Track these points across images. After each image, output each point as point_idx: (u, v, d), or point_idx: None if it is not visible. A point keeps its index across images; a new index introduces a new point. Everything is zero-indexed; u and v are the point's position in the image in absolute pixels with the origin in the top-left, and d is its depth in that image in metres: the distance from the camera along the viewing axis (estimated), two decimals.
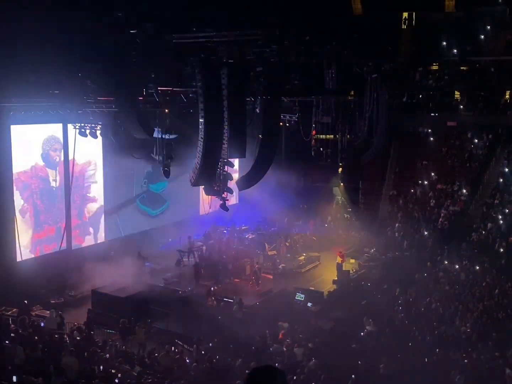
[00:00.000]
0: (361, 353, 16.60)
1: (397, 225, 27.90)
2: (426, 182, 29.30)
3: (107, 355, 14.56)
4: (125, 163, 24.92)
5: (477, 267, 23.01)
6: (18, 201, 21.06)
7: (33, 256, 21.63)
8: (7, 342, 13.42)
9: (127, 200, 26.02)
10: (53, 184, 22.45)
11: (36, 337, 14.37)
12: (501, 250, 24.13)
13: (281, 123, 23.88)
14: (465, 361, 16.38)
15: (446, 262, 23.79)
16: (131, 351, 16.28)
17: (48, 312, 18.53)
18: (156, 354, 15.89)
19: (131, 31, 15.70)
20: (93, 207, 24.27)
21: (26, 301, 18.63)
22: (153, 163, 23.80)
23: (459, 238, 25.75)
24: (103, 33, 15.74)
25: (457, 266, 23.30)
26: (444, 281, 22.15)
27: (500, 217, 25.73)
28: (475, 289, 21.09)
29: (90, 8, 15.43)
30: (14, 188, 20.86)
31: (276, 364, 15.24)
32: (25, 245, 21.27)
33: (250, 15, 17.80)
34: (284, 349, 16.75)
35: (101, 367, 13.42)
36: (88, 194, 24.02)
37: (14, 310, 18.27)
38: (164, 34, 16.17)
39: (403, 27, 27.04)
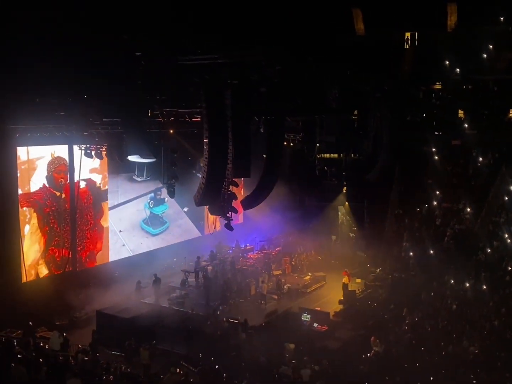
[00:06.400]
0: (368, 374, 16.42)
1: (404, 244, 27.78)
2: (431, 201, 29.23)
3: (111, 377, 14.44)
4: (131, 184, 25.24)
5: (484, 286, 22.83)
6: (24, 223, 21.14)
7: (38, 277, 21.62)
8: (12, 364, 13.35)
9: (129, 227, 26.19)
10: (58, 206, 22.51)
11: (40, 359, 14.29)
12: (509, 268, 23.92)
13: (285, 143, 23.97)
14: (474, 382, 16.17)
15: (452, 281, 23.62)
16: (136, 373, 16.13)
17: (53, 333, 18.45)
18: (161, 376, 15.75)
19: (136, 54, 15.88)
20: (97, 228, 24.31)
21: (30, 323, 18.57)
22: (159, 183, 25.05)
23: (465, 257, 25.59)
24: (109, 55, 15.92)
25: (464, 285, 23.11)
26: (451, 301, 21.98)
27: (507, 235, 25.56)
28: (482, 308, 20.90)
29: (95, 31, 15.62)
30: (20, 210, 20.95)
31: None
32: (30, 266, 21.29)
33: (253, 37, 17.98)
34: (291, 370, 16.57)
35: None
36: (93, 216, 24.08)
37: (19, 332, 18.21)
38: (169, 56, 16.34)
39: (405, 47, 27.23)
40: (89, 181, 23.68)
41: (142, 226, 26.96)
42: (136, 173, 25.00)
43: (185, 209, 28.95)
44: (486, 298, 21.81)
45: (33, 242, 21.43)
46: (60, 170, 22.48)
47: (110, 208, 24.99)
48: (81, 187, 22.93)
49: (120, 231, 25.54)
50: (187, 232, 29.55)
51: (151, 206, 27.43)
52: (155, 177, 26.13)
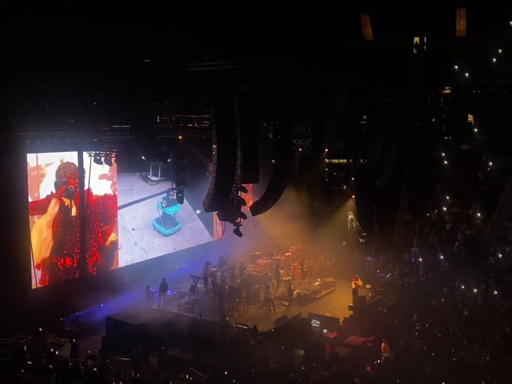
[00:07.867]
0: (379, 381, 16.30)
1: (413, 249, 27.63)
2: (441, 206, 29.07)
3: (121, 383, 14.44)
4: (144, 183, 25.44)
5: (495, 292, 22.64)
6: (33, 228, 21.22)
7: (48, 283, 21.70)
8: (22, 370, 13.38)
9: (142, 226, 26.28)
10: (68, 212, 22.61)
11: (50, 366, 14.30)
12: None
13: (294, 148, 23.94)
14: None
15: (463, 287, 23.44)
16: (145, 379, 16.12)
17: (63, 339, 18.49)
18: (170, 382, 15.73)
19: (145, 60, 15.98)
20: (107, 234, 24.39)
21: (40, 329, 18.61)
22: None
23: (476, 262, 25.41)
24: (118, 62, 16.03)
25: (474, 291, 22.94)
26: (461, 306, 21.80)
27: None
28: (493, 314, 20.71)
29: (104, 38, 15.75)
30: (30, 216, 21.06)
31: None
32: (40, 272, 21.37)
33: (261, 43, 18.04)
34: (300, 377, 16.47)
35: None
36: (103, 221, 24.17)
37: (29, 338, 18.24)
38: (177, 62, 16.42)
39: (414, 52, 27.15)
40: (99, 189, 23.77)
41: (155, 225, 27.22)
42: (150, 173, 25.26)
43: (197, 212, 29.07)
44: (497, 304, 21.62)
45: (41, 249, 21.52)
46: (71, 177, 22.58)
47: (124, 206, 25.25)
48: (91, 194, 23.05)
49: (133, 229, 25.81)
50: (198, 235, 29.66)
51: (163, 205, 27.69)
52: (169, 177, 26.06)
